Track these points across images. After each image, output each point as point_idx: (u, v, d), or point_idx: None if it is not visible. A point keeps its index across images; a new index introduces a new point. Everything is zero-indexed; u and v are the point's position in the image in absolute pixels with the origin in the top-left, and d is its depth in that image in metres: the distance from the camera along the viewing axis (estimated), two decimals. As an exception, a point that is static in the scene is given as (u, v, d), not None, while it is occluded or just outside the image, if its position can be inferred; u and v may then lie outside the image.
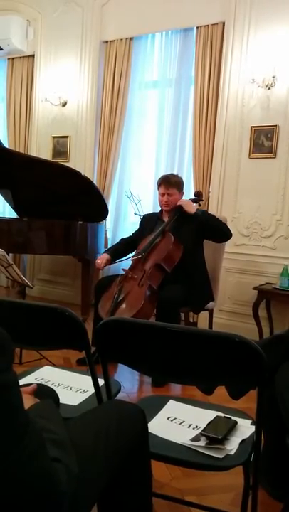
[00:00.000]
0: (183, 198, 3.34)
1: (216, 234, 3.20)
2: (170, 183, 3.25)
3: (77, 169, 4.08)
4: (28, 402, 1.05)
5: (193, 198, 3.42)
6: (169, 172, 4.26)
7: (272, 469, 1.82)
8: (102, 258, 3.37)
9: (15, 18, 5.09)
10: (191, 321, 4.05)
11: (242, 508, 1.49)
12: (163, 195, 3.27)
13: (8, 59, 5.39)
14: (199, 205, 3.87)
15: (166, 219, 3.28)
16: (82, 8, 4.83)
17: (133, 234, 3.51)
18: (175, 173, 4.02)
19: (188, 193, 3.42)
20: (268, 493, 1.81)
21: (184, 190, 3.37)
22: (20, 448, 0.79)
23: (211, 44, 4.10)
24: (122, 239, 3.59)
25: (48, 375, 1.91)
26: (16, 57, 5.33)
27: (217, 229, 3.16)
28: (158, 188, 3.32)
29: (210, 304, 3.40)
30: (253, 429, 1.50)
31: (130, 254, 3.36)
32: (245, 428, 1.52)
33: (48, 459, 0.83)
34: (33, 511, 0.82)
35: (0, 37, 5.04)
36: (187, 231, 3.15)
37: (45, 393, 1.33)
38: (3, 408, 0.78)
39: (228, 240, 3.25)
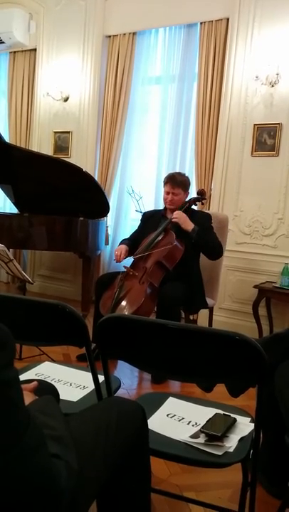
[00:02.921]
0: (188, 197, 3.33)
1: (206, 253, 3.19)
2: (176, 182, 3.23)
3: (78, 165, 4.07)
4: (27, 399, 1.05)
5: (196, 196, 3.41)
6: (170, 169, 4.28)
7: (271, 466, 1.82)
8: (120, 249, 3.28)
9: (17, 11, 5.06)
10: (191, 318, 4.05)
11: (240, 504, 1.50)
12: (168, 193, 3.25)
13: (10, 52, 5.37)
14: (202, 203, 3.87)
15: (170, 216, 3.27)
16: (85, 2, 4.80)
17: (133, 233, 3.50)
18: (177, 170, 4.02)
19: (190, 190, 3.41)
20: (266, 490, 1.82)
21: (189, 190, 3.35)
22: (20, 444, 0.79)
23: (214, 40, 4.08)
24: (124, 239, 3.55)
25: (48, 370, 1.92)
26: (18, 51, 5.31)
27: (208, 251, 3.16)
28: (164, 186, 3.31)
29: (210, 302, 3.41)
30: (252, 426, 1.50)
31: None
32: (245, 425, 1.52)
33: (48, 456, 0.84)
34: (33, 507, 0.82)
35: (2, 30, 5.02)
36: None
37: (45, 389, 1.34)
38: (3, 405, 0.78)
39: (218, 258, 3.26)
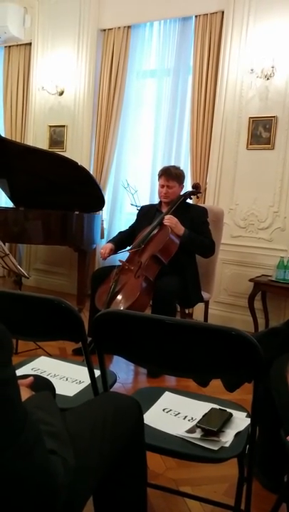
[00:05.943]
0: (183, 190, 3.32)
1: (198, 254, 3.27)
2: (171, 175, 3.22)
3: (73, 159, 4.05)
4: (24, 394, 1.05)
5: (192, 190, 3.40)
6: (165, 162, 4.26)
7: (266, 460, 1.83)
8: (105, 248, 3.33)
9: (12, 5, 5.02)
10: (187, 312, 4.06)
11: (236, 498, 1.50)
12: (162, 186, 3.24)
13: (5, 47, 5.33)
14: (197, 197, 3.87)
15: (165, 210, 3.27)
16: (79, -4, 4.76)
17: (130, 226, 3.50)
18: (172, 163, 4.01)
19: (185, 184, 3.40)
20: (261, 483, 1.83)
21: (184, 183, 3.34)
22: (18, 442, 0.79)
23: (209, 33, 4.06)
24: (120, 232, 3.57)
25: (44, 365, 1.92)
26: (13, 45, 5.27)
27: (199, 252, 3.24)
28: (158, 179, 3.30)
29: (206, 296, 3.41)
30: (248, 421, 1.51)
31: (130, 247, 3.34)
32: (240, 420, 1.53)
33: (46, 452, 0.84)
34: (30, 504, 0.82)
35: (-4, 24, 4.98)
36: (183, 225, 3.14)
37: (41, 384, 1.33)
38: (1, 404, 0.78)
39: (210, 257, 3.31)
